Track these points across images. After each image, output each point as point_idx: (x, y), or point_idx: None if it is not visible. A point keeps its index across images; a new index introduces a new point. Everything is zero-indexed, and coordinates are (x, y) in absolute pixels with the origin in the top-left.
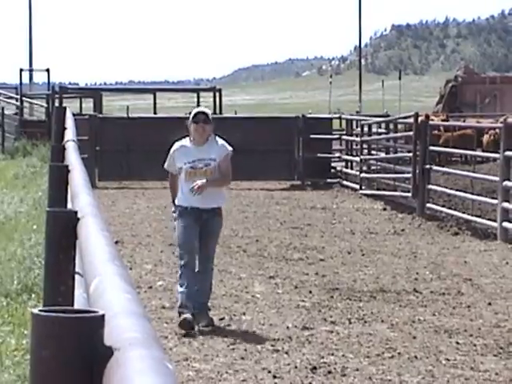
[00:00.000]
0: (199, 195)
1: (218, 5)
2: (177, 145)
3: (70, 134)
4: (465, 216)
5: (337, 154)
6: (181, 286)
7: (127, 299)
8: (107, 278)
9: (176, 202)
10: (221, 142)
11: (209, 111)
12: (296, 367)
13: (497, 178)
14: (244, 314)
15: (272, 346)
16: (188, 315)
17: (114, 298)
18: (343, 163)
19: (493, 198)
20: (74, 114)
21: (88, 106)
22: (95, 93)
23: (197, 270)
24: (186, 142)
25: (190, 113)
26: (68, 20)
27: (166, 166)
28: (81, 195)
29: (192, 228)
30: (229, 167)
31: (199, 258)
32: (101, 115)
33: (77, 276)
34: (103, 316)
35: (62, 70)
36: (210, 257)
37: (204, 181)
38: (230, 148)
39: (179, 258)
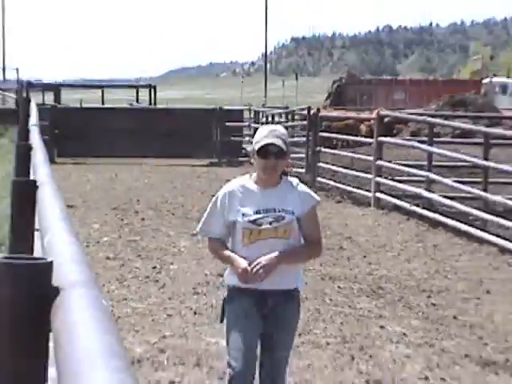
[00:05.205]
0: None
1: (156, 17)
2: (231, 185)
3: (33, 119)
4: (347, 188)
5: (247, 138)
6: None
7: (73, 250)
8: (57, 232)
9: (226, 278)
10: (302, 186)
11: (283, 131)
12: (212, 306)
13: (371, 158)
14: (172, 263)
15: (193, 288)
16: None
17: (62, 248)
18: (252, 145)
19: (368, 174)
20: (37, 105)
21: (49, 98)
22: (55, 88)
23: None
24: (247, 180)
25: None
26: (33, 28)
27: (200, 225)
28: (40, 168)
29: (251, 322)
30: (318, 230)
31: (264, 366)
32: (59, 105)
33: (37, 232)
34: (51, 262)
35: (29, 69)
36: (280, 366)
37: (272, 256)
38: (317, 197)
39: (228, 366)
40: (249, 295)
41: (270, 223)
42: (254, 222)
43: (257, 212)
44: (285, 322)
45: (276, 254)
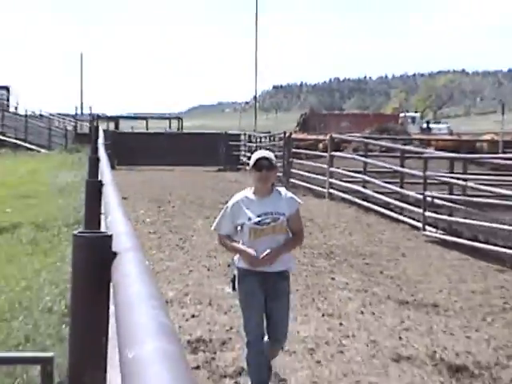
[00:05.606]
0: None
1: (179, 70)
2: (237, 197)
3: (101, 140)
4: (310, 186)
5: (242, 153)
6: (249, 373)
7: (126, 227)
8: (116, 215)
9: (236, 262)
10: (288, 193)
11: (271, 154)
12: (219, 264)
13: (326, 166)
14: (192, 236)
15: (207, 252)
16: None
17: (119, 226)
18: (246, 157)
19: (324, 176)
20: (103, 130)
21: (111, 126)
22: (115, 119)
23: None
24: (248, 193)
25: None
26: (100, 79)
27: (214, 225)
28: (105, 172)
29: (258, 295)
30: (301, 224)
31: (267, 326)
32: (118, 131)
33: (102, 215)
34: (111, 235)
35: (98, 105)
36: (278, 324)
37: (275, 250)
38: (300, 200)
39: (245, 333)
40: (254, 276)
41: (269, 223)
42: (257, 223)
43: (258, 216)
44: (282, 295)
45: (277, 247)
